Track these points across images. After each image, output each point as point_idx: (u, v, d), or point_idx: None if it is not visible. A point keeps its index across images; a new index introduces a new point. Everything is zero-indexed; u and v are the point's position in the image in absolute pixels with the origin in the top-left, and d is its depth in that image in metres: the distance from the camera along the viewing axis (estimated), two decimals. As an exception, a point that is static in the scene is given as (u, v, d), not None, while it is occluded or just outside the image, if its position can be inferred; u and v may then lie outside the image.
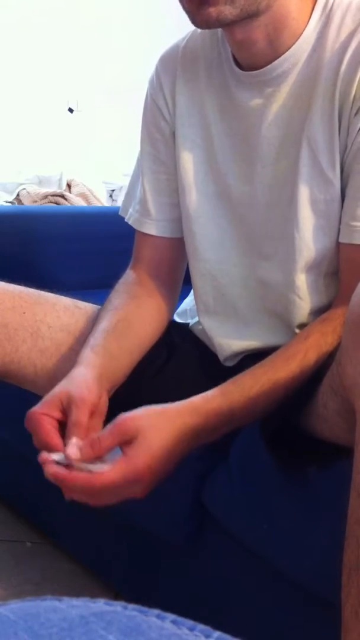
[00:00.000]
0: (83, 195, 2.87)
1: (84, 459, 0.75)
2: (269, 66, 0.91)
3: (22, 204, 2.75)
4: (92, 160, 3.36)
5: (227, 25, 0.86)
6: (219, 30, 0.96)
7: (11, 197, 2.82)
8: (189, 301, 1.17)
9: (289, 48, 0.90)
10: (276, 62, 0.90)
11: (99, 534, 1.24)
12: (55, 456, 0.76)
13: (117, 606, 0.27)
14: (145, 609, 0.27)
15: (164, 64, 1.04)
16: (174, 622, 0.26)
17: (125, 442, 0.76)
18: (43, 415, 0.80)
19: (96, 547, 1.26)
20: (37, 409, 0.81)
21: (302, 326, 0.96)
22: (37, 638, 0.24)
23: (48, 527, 1.38)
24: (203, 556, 1.02)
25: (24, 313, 1.00)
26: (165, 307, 1.08)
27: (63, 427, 0.81)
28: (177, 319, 1.18)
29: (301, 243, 0.93)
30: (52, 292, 1.07)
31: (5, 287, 1.02)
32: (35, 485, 1.35)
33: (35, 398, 0.84)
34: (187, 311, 1.17)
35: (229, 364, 1.04)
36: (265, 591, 0.94)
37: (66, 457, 0.76)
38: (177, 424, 0.78)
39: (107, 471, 0.73)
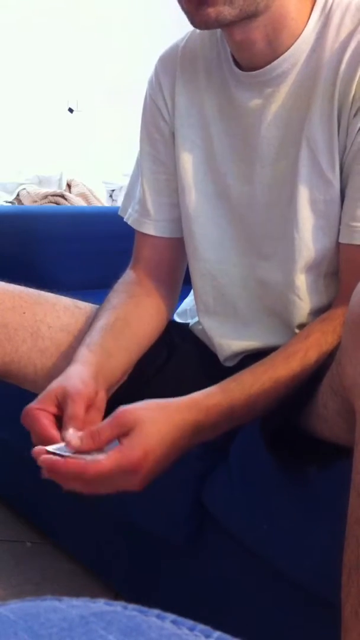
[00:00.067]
0: (83, 195, 2.87)
1: (84, 450, 0.75)
2: (268, 66, 0.91)
3: (22, 204, 2.75)
4: (92, 160, 3.36)
5: (226, 25, 0.86)
6: (218, 30, 0.96)
7: (11, 197, 2.82)
8: (189, 301, 1.17)
9: (288, 48, 0.90)
10: (275, 62, 0.90)
11: (99, 534, 1.24)
12: (52, 448, 0.76)
13: (117, 606, 0.27)
14: (145, 609, 0.27)
15: (164, 64, 1.04)
16: (174, 622, 0.26)
17: (124, 434, 0.76)
18: (39, 411, 0.80)
19: (96, 547, 1.26)
20: (33, 404, 0.81)
21: (301, 326, 0.96)
22: (37, 638, 0.24)
23: (48, 527, 1.38)
24: (203, 556, 1.02)
25: (24, 313, 1.00)
26: (164, 307, 1.08)
27: (60, 422, 0.81)
28: (177, 319, 1.18)
29: (301, 243, 0.93)
30: (52, 292, 1.07)
31: (5, 287, 1.02)
32: (35, 485, 1.35)
33: (35, 398, 0.84)
34: (187, 311, 1.17)
35: (229, 364, 1.04)
36: (265, 591, 0.94)
37: (66, 444, 0.76)
38: (176, 418, 0.78)
39: (102, 459, 0.73)
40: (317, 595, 0.81)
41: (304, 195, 0.91)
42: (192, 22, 0.86)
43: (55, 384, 0.84)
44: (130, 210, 1.11)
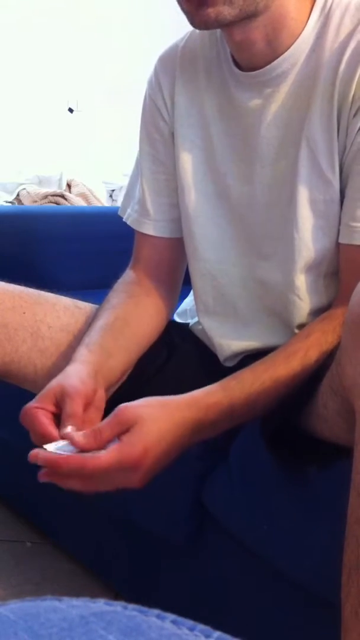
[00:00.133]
0: (83, 195, 2.87)
1: (87, 448, 0.75)
2: (268, 66, 0.91)
3: (22, 204, 2.75)
4: (92, 160, 3.36)
5: (226, 26, 0.86)
6: (218, 30, 0.96)
7: (11, 197, 2.82)
8: (189, 301, 1.17)
9: (288, 48, 0.90)
10: (275, 62, 0.90)
11: (99, 534, 1.24)
12: (50, 446, 0.76)
13: (117, 606, 0.27)
14: (145, 609, 0.27)
15: (163, 64, 1.04)
16: (174, 622, 0.26)
17: (124, 431, 0.76)
18: (37, 409, 0.80)
19: (96, 547, 1.26)
20: (31, 404, 0.81)
21: (301, 326, 0.96)
22: (37, 638, 0.24)
23: (48, 527, 1.38)
24: (203, 556, 1.02)
25: (24, 313, 1.00)
26: (164, 307, 1.08)
27: (58, 421, 0.81)
28: (177, 319, 1.18)
29: (300, 243, 0.93)
30: (52, 292, 1.07)
31: (5, 287, 1.02)
32: (35, 485, 1.35)
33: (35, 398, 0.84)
34: (187, 311, 1.18)
35: (229, 364, 1.04)
36: (265, 591, 0.94)
37: (70, 441, 0.76)
38: (177, 416, 0.78)
39: (102, 455, 0.73)
40: (317, 595, 0.81)
41: (303, 196, 0.91)
42: (192, 23, 0.86)
43: (53, 383, 0.84)
44: (129, 210, 1.11)
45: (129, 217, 1.11)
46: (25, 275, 1.09)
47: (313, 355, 0.83)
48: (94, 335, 0.96)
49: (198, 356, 1.09)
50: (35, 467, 0.75)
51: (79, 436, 0.75)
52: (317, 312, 0.95)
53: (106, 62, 3.59)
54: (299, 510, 0.84)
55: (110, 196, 3.15)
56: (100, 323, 0.98)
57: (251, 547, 0.91)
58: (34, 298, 1.03)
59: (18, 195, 2.81)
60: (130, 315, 1.02)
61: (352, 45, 0.86)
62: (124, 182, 1.13)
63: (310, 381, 0.81)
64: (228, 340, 1.04)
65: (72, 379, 0.84)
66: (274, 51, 0.90)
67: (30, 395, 0.84)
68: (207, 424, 0.80)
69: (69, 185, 2.94)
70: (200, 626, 0.27)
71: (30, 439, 0.81)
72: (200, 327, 1.09)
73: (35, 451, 0.75)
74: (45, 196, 2.77)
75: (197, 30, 0.98)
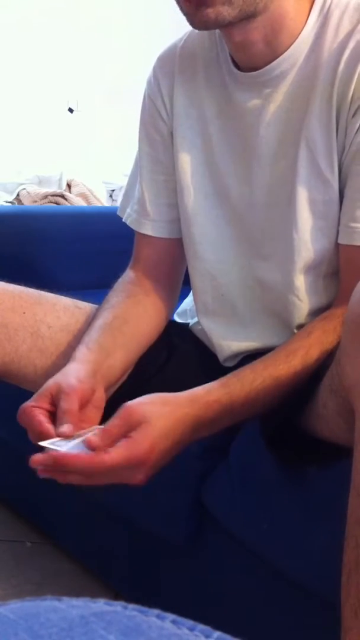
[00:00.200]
0: (83, 195, 2.87)
1: (93, 447, 0.74)
2: (267, 67, 0.91)
3: (22, 204, 2.75)
4: (92, 160, 3.36)
5: (225, 26, 0.86)
6: (217, 30, 0.96)
7: (11, 197, 2.82)
8: (189, 301, 1.17)
9: (287, 49, 0.90)
10: (274, 62, 0.90)
11: (99, 533, 1.24)
12: (46, 443, 0.77)
13: (117, 606, 0.27)
14: (145, 609, 0.27)
15: (162, 64, 1.04)
16: (174, 622, 0.26)
17: (132, 429, 0.76)
18: (34, 408, 0.81)
19: (96, 547, 1.26)
20: (28, 402, 0.82)
21: (301, 327, 0.96)
22: (37, 638, 0.24)
23: (48, 527, 1.38)
24: (203, 556, 1.02)
25: (24, 313, 1.00)
26: (163, 307, 1.08)
27: (55, 419, 0.81)
28: (177, 319, 1.18)
29: (300, 244, 0.93)
30: (52, 292, 1.07)
31: (5, 287, 1.02)
32: (35, 485, 1.35)
33: (35, 398, 0.84)
34: (187, 311, 1.18)
35: (229, 364, 1.04)
36: (265, 591, 0.94)
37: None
38: (178, 413, 0.78)
39: (110, 453, 0.73)
40: (317, 595, 0.81)
41: (302, 196, 0.91)
42: (192, 23, 0.86)
43: (50, 382, 0.84)
44: (129, 210, 1.11)
45: (129, 217, 1.11)
46: (25, 275, 1.09)
47: (314, 354, 0.83)
48: (93, 334, 0.96)
49: (198, 356, 1.09)
50: (36, 469, 0.75)
51: (95, 439, 0.74)
52: (317, 313, 0.95)
53: (106, 62, 3.59)
54: (299, 510, 0.84)
55: (110, 196, 3.15)
56: (99, 322, 0.98)
57: (251, 547, 0.91)
58: (34, 298, 1.03)
59: (18, 195, 2.81)
60: (129, 315, 1.02)
61: (350, 45, 0.86)
62: (124, 182, 1.13)
63: (310, 381, 0.81)
64: (228, 341, 1.04)
65: (68, 378, 0.84)
66: (273, 51, 0.90)
67: (30, 395, 0.85)
68: (206, 421, 0.80)
69: (69, 185, 2.93)
70: (200, 626, 0.27)
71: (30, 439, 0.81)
72: (200, 327, 1.09)
73: (38, 455, 0.75)
74: (45, 196, 2.76)
75: (196, 31, 0.98)
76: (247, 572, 0.96)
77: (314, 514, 0.82)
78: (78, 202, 2.81)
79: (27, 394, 0.96)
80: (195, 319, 1.11)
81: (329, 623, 0.64)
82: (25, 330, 1.00)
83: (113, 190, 3.17)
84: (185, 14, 0.85)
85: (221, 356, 1.05)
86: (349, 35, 0.87)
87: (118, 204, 1.17)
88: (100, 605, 0.27)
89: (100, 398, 0.87)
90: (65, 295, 1.08)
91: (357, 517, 0.60)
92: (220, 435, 0.85)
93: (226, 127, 0.97)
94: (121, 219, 1.13)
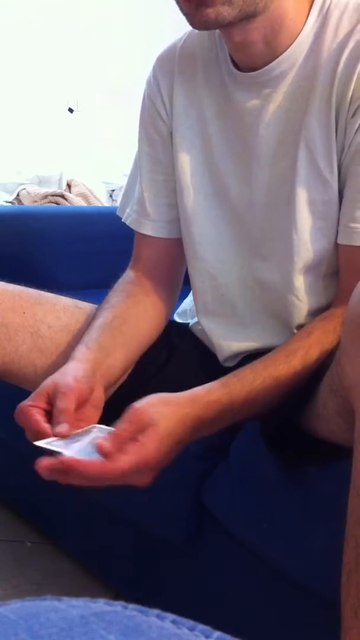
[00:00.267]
0: (83, 195, 2.87)
1: (105, 453, 0.74)
2: (266, 67, 0.91)
3: (22, 204, 2.75)
4: (92, 160, 3.36)
5: (225, 26, 0.85)
6: (217, 31, 0.96)
7: (11, 197, 2.81)
8: (189, 301, 1.17)
9: (287, 49, 0.90)
10: (274, 63, 0.90)
11: (99, 533, 1.24)
12: (42, 442, 0.76)
13: (117, 606, 0.27)
14: (145, 609, 0.27)
15: (162, 64, 1.04)
16: (174, 622, 0.26)
17: (139, 431, 0.76)
18: (31, 407, 0.81)
19: (96, 547, 1.26)
20: (25, 402, 0.82)
21: (300, 327, 0.96)
22: (37, 638, 0.24)
23: (48, 527, 1.38)
24: (203, 556, 1.02)
25: (24, 313, 1.00)
26: (163, 307, 1.08)
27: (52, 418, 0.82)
28: (177, 319, 1.18)
29: (299, 244, 0.93)
30: (52, 292, 1.08)
31: (5, 287, 1.02)
32: (35, 485, 1.35)
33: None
34: (187, 311, 1.18)
35: (229, 364, 1.04)
36: (265, 591, 0.94)
37: (57, 434, 0.76)
38: (178, 413, 0.78)
39: (121, 459, 0.73)
40: (317, 595, 0.81)
41: (302, 196, 0.91)
42: (192, 23, 0.86)
43: (48, 381, 0.84)
44: (128, 210, 1.11)
45: (128, 217, 1.11)
46: (25, 275, 1.09)
47: (314, 354, 0.83)
48: (92, 333, 0.96)
49: (198, 356, 1.09)
50: (35, 468, 0.75)
51: (107, 445, 0.74)
52: (316, 313, 0.95)
53: (106, 62, 3.59)
54: (299, 510, 0.84)
55: (110, 196, 3.14)
56: (99, 322, 0.98)
57: (251, 547, 0.91)
58: (34, 298, 1.03)
59: (18, 195, 2.80)
60: (128, 314, 1.02)
61: (350, 45, 0.86)
62: (124, 182, 1.13)
63: (310, 381, 0.81)
64: (227, 341, 1.04)
65: (66, 377, 0.84)
66: (273, 52, 0.90)
67: (29, 395, 0.85)
68: (206, 421, 0.80)
69: (69, 185, 2.93)
70: (200, 626, 0.27)
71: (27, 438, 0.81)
72: (200, 327, 1.09)
73: (45, 459, 0.74)
74: (45, 196, 2.76)
75: (196, 31, 0.98)
76: (247, 572, 0.96)
77: (314, 514, 0.82)
78: (78, 202, 2.80)
79: (27, 394, 0.96)
80: (195, 319, 1.11)
81: (329, 623, 0.64)
82: (25, 330, 1.00)
83: (113, 190, 3.17)
84: (185, 14, 0.85)
85: (221, 356, 1.05)
86: (349, 35, 0.87)
87: (118, 204, 1.17)
88: (100, 605, 0.27)
89: (98, 397, 0.87)
90: (65, 295, 1.08)
91: (357, 517, 0.60)
92: (220, 435, 0.85)
93: (225, 127, 0.97)
94: (121, 218, 1.13)
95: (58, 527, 1.35)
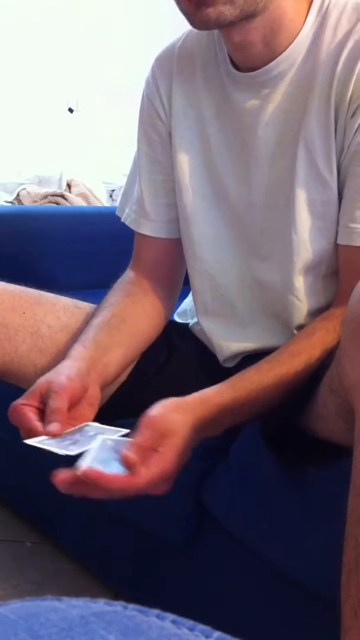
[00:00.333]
0: (83, 195, 2.87)
1: (131, 466, 0.72)
2: (265, 67, 0.91)
3: (22, 204, 2.75)
4: (92, 160, 3.36)
5: (226, 26, 0.85)
6: (215, 31, 0.96)
7: (11, 197, 2.81)
8: (189, 301, 1.17)
9: (286, 49, 0.90)
10: (273, 63, 0.90)
11: (99, 533, 1.24)
12: (32, 441, 0.76)
13: (117, 606, 0.27)
14: (145, 609, 0.27)
15: (160, 64, 1.04)
16: (174, 622, 0.26)
17: (159, 441, 0.75)
18: (23, 405, 0.81)
19: (96, 547, 1.26)
20: (18, 400, 0.82)
21: (300, 327, 0.96)
22: (37, 638, 0.24)
23: (48, 527, 1.38)
24: (203, 556, 1.02)
25: (24, 313, 1.00)
26: (162, 307, 1.08)
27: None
28: (177, 319, 1.18)
29: (299, 244, 0.93)
30: (52, 292, 1.08)
31: (5, 287, 1.02)
32: (35, 485, 1.35)
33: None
34: (187, 311, 1.18)
35: (229, 364, 1.04)
36: (265, 591, 0.94)
37: (48, 433, 0.76)
38: (194, 420, 0.78)
39: (144, 473, 0.72)
40: (317, 595, 0.81)
41: (301, 197, 0.91)
42: (192, 23, 0.86)
43: (42, 380, 0.85)
44: (127, 210, 1.11)
45: (127, 217, 1.11)
46: (25, 275, 1.09)
47: (317, 355, 0.83)
48: (89, 332, 0.96)
49: (198, 356, 1.09)
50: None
51: (132, 456, 0.73)
52: (316, 313, 0.95)
53: (106, 62, 3.59)
54: (299, 510, 0.84)
55: (110, 196, 3.14)
56: (96, 321, 0.99)
57: (251, 547, 0.91)
58: (34, 298, 1.03)
59: (18, 195, 2.80)
60: (126, 313, 1.02)
61: (349, 45, 0.86)
62: (124, 182, 1.13)
63: (310, 381, 0.81)
64: (227, 341, 1.04)
65: (59, 376, 0.84)
66: (272, 52, 0.90)
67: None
68: (216, 423, 0.80)
69: (69, 185, 2.93)
70: (200, 626, 0.27)
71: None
72: (199, 327, 1.09)
73: (59, 476, 0.72)
74: (45, 196, 2.76)
75: (195, 31, 0.98)
76: (247, 572, 0.96)
77: (314, 514, 0.82)
78: (78, 202, 2.80)
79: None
80: (195, 319, 1.11)
81: (329, 623, 0.64)
82: (25, 330, 1.00)
83: (113, 190, 3.17)
84: (185, 13, 0.85)
85: (221, 356, 1.05)
86: (347, 35, 0.87)
87: (118, 204, 1.17)
88: (100, 605, 0.27)
89: (94, 395, 0.87)
90: (65, 295, 1.08)
91: (357, 517, 0.60)
92: (220, 435, 0.85)
93: (224, 127, 0.97)
94: (120, 218, 1.13)
95: (58, 527, 1.35)
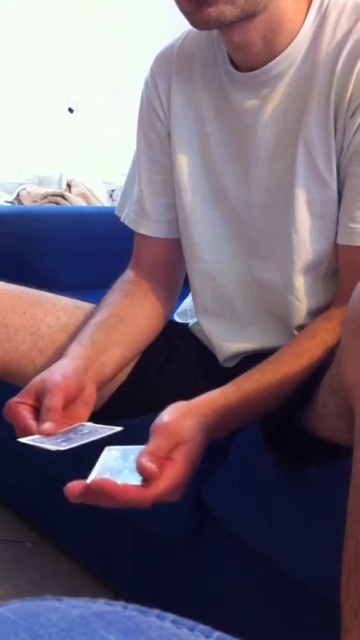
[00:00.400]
0: (83, 195, 2.87)
1: (150, 475, 0.71)
2: (265, 67, 0.91)
3: (22, 204, 2.75)
4: (92, 160, 3.36)
5: (226, 26, 0.85)
6: (215, 30, 0.96)
7: (11, 197, 2.81)
8: (189, 301, 1.17)
9: (285, 49, 0.89)
10: (272, 62, 0.90)
11: (99, 533, 1.24)
12: (26, 439, 0.76)
13: (117, 606, 0.27)
14: (145, 609, 0.27)
15: (159, 65, 1.04)
16: (174, 622, 0.26)
17: (172, 449, 0.75)
18: (18, 404, 0.81)
19: (96, 547, 1.26)
20: (13, 399, 0.82)
21: (300, 327, 0.96)
22: (37, 638, 0.24)
23: (48, 527, 1.38)
24: (203, 556, 1.02)
25: (24, 313, 1.00)
26: (161, 307, 1.08)
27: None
28: (177, 319, 1.18)
29: (299, 244, 0.93)
30: (52, 292, 1.08)
31: (5, 287, 1.02)
32: (35, 485, 1.35)
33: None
34: (187, 311, 1.18)
35: (229, 364, 1.04)
36: (265, 591, 0.94)
37: (42, 432, 0.76)
38: (204, 425, 0.78)
39: (158, 484, 0.71)
40: (317, 595, 0.81)
41: (301, 197, 0.91)
42: (192, 23, 0.85)
43: (37, 378, 0.85)
44: (127, 210, 1.11)
45: (127, 217, 1.11)
46: (25, 275, 1.09)
47: (319, 355, 0.83)
48: (87, 331, 0.96)
49: (198, 356, 1.09)
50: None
51: (151, 466, 0.71)
52: (316, 313, 0.95)
53: (106, 62, 3.59)
54: (299, 510, 0.84)
55: (110, 196, 3.14)
56: (94, 320, 0.99)
57: (251, 547, 0.91)
58: (34, 298, 1.03)
59: (18, 195, 2.80)
60: (124, 312, 1.02)
61: (348, 45, 0.86)
62: (124, 182, 1.13)
63: (310, 381, 0.81)
64: (227, 341, 1.04)
65: (54, 375, 0.85)
66: (272, 52, 0.90)
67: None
68: (220, 425, 0.80)
69: (69, 185, 2.93)
70: (200, 626, 0.27)
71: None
72: (199, 327, 1.09)
73: (75, 483, 0.71)
74: (45, 196, 2.76)
75: (194, 31, 0.98)
76: (247, 572, 0.96)
77: (314, 514, 0.82)
78: (78, 202, 2.80)
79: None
80: (195, 319, 1.11)
81: (329, 623, 0.64)
82: (25, 330, 1.00)
83: (113, 190, 3.17)
84: (185, 13, 0.85)
85: (221, 356, 1.05)
86: (347, 35, 0.86)
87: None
88: (100, 605, 0.27)
89: (90, 394, 0.87)
90: (65, 295, 1.08)
91: (357, 517, 0.60)
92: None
93: (224, 127, 0.97)
94: (119, 218, 1.13)
95: (58, 527, 1.35)
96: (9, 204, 2.75)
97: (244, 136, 0.95)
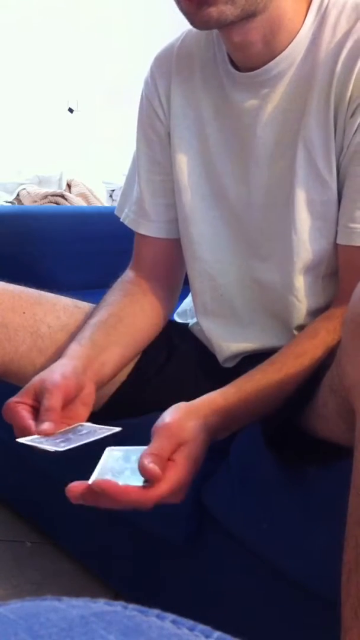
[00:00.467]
0: (83, 195, 2.87)
1: (152, 477, 0.71)
2: (265, 67, 0.91)
3: (22, 204, 2.75)
4: (92, 160, 3.36)
5: (226, 26, 0.85)
6: (214, 30, 0.96)
7: (11, 197, 2.81)
8: (189, 301, 1.17)
9: (285, 49, 0.89)
10: (272, 62, 0.90)
11: (99, 533, 1.24)
12: (25, 439, 0.76)
13: (117, 606, 0.27)
14: (145, 609, 0.27)
15: (159, 65, 1.04)
16: (174, 622, 0.26)
17: (175, 450, 0.75)
18: (17, 403, 0.81)
19: (96, 547, 1.26)
20: (12, 398, 0.82)
21: (300, 328, 0.96)
22: (37, 638, 0.24)
23: (48, 527, 1.38)
24: (203, 556, 1.02)
25: (24, 313, 1.00)
26: (161, 307, 1.08)
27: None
28: (177, 319, 1.18)
29: (299, 244, 0.93)
30: (52, 292, 1.08)
31: (5, 287, 1.02)
32: (35, 485, 1.35)
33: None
34: (187, 311, 1.18)
35: (228, 365, 1.04)
36: (265, 591, 0.94)
37: (40, 432, 0.76)
38: (206, 426, 0.78)
39: (161, 485, 0.71)
40: (317, 595, 0.81)
41: (301, 197, 0.91)
42: (192, 23, 0.85)
43: (36, 378, 0.85)
44: (127, 210, 1.11)
45: (127, 217, 1.11)
46: (25, 275, 1.09)
47: (320, 355, 0.83)
48: (86, 331, 0.96)
49: (198, 356, 1.09)
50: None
51: (155, 468, 0.71)
52: (316, 313, 0.95)
53: (106, 62, 3.59)
54: (299, 510, 0.84)
55: (110, 196, 3.14)
56: (94, 320, 0.99)
57: (251, 547, 0.91)
58: (34, 298, 1.03)
59: (18, 195, 2.80)
60: (124, 312, 1.02)
61: (348, 45, 0.86)
62: (124, 182, 1.14)
63: (310, 381, 0.81)
64: (227, 342, 1.04)
65: (53, 375, 0.84)
66: (271, 52, 0.90)
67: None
68: (221, 426, 0.80)
69: (69, 185, 2.93)
70: (200, 626, 0.27)
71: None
72: (199, 327, 1.09)
73: (76, 484, 0.71)
74: (45, 196, 2.76)
75: (194, 31, 0.98)
76: (247, 572, 0.96)
77: (314, 514, 0.82)
78: (78, 202, 2.80)
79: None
80: (195, 319, 1.11)
81: (329, 623, 0.64)
82: (25, 330, 1.00)
83: (113, 190, 3.17)
84: (186, 13, 0.85)
85: (221, 357, 1.05)
86: (347, 34, 0.86)
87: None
88: (100, 605, 0.27)
89: (89, 394, 0.87)
90: (65, 295, 1.08)
91: (357, 517, 0.60)
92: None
93: (223, 127, 0.97)
94: (119, 218, 1.13)
95: (58, 527, 1.35)
96: (9, 204, 2.75)
97: (244, 136, 0.95)
